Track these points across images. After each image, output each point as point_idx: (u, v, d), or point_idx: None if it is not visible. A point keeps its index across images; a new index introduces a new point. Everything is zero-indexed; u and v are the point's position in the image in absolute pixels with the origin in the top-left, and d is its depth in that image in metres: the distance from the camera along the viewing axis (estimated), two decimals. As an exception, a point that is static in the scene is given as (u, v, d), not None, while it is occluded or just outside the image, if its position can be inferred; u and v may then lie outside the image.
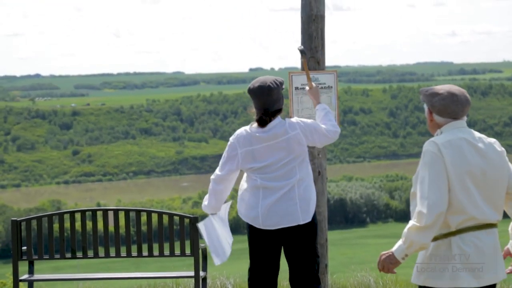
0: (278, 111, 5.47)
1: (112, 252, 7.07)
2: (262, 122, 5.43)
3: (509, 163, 4.31)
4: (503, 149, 4.29)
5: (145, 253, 7.08)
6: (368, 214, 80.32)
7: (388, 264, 4.11)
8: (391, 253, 4.12)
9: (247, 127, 5.56)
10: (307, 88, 5.90)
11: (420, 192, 4.08)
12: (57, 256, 7.13)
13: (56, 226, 7.19)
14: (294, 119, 5.52)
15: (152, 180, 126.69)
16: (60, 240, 7.01)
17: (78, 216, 7.13)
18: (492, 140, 4.27)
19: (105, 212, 7.07)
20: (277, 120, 5.46)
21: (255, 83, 5.48)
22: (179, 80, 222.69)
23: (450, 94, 4.22)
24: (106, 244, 7.06)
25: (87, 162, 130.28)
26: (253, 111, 5.54)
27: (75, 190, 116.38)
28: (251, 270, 5.61)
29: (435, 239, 4.14)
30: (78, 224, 7.15)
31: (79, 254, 7.14)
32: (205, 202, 5.68)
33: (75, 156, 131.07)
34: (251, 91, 5.46)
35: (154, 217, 7.10)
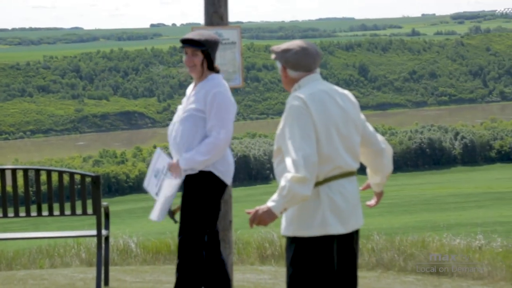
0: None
1: (11, 212, 6.86)
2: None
3: (363, 116, 4.46)
4: (356, 101, 4.46)
5: (45, 212, 6.89)
6: (272, 171, 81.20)
7: (266, 218, 4.11)
8: (268, 208, 4.11)
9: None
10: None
11: (292, 145, 4.12)
12: (-48, 217, 6.85)
13: (-51, 186, 6.89)
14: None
15: (51, 139, 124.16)
16: (-46, 201, 6.74)
17: (-27, 176, 6.86)
18: (346, 91, 4.43)
19: (2, 171, 6.83)
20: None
21: (215, 36, 5.41)
22: (77, 36, 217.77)
23: (302, 48, 4.33)
24: (3, 204, 6.83)
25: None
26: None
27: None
28: (209, 227, 5.44)
29: None
30: (-27, 184, 6.89)
31: (-25, 215, 6.89)
32: None
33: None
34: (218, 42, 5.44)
35: (54, 176, 6.91)
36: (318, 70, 4.39)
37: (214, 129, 5.27)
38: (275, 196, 4.10)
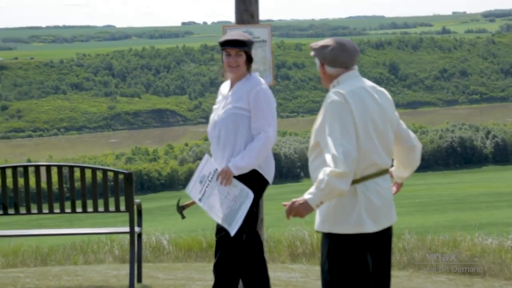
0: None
1: (45, 208, 6.94)
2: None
3: (397, 114, 4.50)
4: (391, 98, 4.49)
5: (79, 209, 6.98)
6: (302, 169, 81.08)
7: (302, 211, 4.15)
8: (305, 201, 4.15)
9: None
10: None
11: (332, 141, 4.14)
12: (-12, 213, 6.97)
13: (-14, 183, 7.01)
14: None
15: (84, 136, 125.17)
16: (-9, 197, 6.86)
17: (9, 172, 6.98)
18: (382, 89, 4.46)
19: (37, 168, 6.92)
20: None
21: (249, 36, 5.47)
22: (110, 34, 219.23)
23: (339, 45, 4.36)
24: (38, 200, 6.93)
25: (16, 117, 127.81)
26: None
27: (5, 146, 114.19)
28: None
29: None
30: (9, 181, 7.00)
31: (11, 211, 7.00)
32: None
33: (3, 111, 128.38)
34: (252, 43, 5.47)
35: (88, 173, 6.99)
36: (356, 67, 4.42)
37: (262, 127, 5.34)
38: (312, 189, 4.14)
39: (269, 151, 5.41)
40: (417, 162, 4.60)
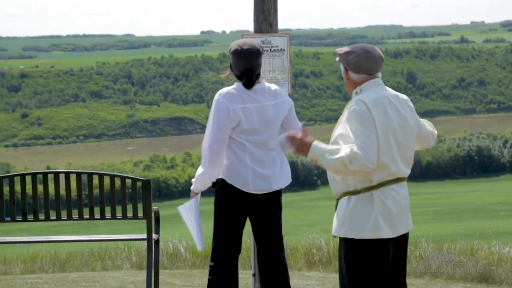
0: (259, 75, 5.44)
1: (64, 215, 7.01)
2: (250, 83, 5.38)
3: (418, 117, 4.53)
4: (412, 105, 4.51)
5: (97, 215, 7.04)
6: (319, 177, 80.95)
7: (300, 150, 4.29)
8: (310, 146, 4.25)
9: (231, 87, 5.44)
10: None
11: (356, 141, 4.17)
12: (8, 219, 7.05)
13: (6, 189, 7.10)
14: (275, 87, 5.52)
15: (103, 144, 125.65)
16: (11, 202, 6.93)
17: (28, 179, 7.05)
18: (405, 97, 4.46)
19: (56, 175, 6.99)
20: (263, 84, 5.45)
21: (242, 45, 5.37)
22: (129, 43, 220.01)
23: (364, 51, 4.37)
24: (57, 207, 7.00)
25: (36, 125, 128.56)
26: (227, 74, 5.50)
27: (24, 153, 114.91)
28: (222, 235, 5.53)
29: (357, 192, 4.27)
30: (28, 187, 7.07)
31: (30, 217, 7.07)
32: (203, 171, 5.41)
33: (24, 119, 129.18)
34: (240, 53, 5.35)
35: (106, 180, 7.05)
36: (380, 74, 4.43)
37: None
38: (324, 146, 4.23)
39: (206, 160, 5.33)
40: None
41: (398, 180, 4.32)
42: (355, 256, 4.28)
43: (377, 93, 4.33)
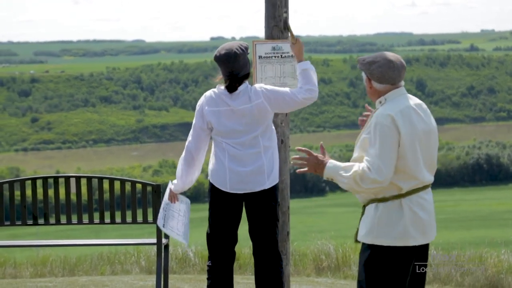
0: (246, 76, 5.61)
1: (74, 219, 7.06)
2: (232, 88, 5.52)
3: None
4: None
5: (107, 220, 7.08)
6: (328, 183, 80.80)
7: (313, 170, 4.35)
8: (324, 166, 4.32)
9: (215, 89, 5.64)
10: (290, 43, 5.99)
11: (373, 155, 4.23)
12: (19, 222, 7.09)
13: (17, 193, 7.14)
14: (258, 86, 5.61)
15: (112, 148, 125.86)
16: (22, 206, 6.97)
17: (39, 183, 7.10)
18: (424, 104, 4.51)
19: (67, 179, 7.04)
20: (244, 85, 5.56)
21: (221, 50, 5.55)
22: (139, 48, 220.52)
23: (387, 61, 4.37)
24: (68, 211, 7.04)
25: (46, 129, 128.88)
26: (220, 78, 5.61)
27: (34, 158, 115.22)
28: (212, 235, 5.69)
29: (385, 200, 4.30)
30: (39, 191, 7.12)
31: (41, 221, 7.12)
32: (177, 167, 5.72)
33: (34, 123, 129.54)
34: (218, 58, 5.54)
35: (116, 185, 7.09)
36: (403, 82, 4.45)
37: None
38: (338, 164, 4.30)
39: (181, 157, 5.61)
40: None
41: (424, 187, 4.37)
42: (377, 263, 4.29)
43: (402, 103, 4.35)
